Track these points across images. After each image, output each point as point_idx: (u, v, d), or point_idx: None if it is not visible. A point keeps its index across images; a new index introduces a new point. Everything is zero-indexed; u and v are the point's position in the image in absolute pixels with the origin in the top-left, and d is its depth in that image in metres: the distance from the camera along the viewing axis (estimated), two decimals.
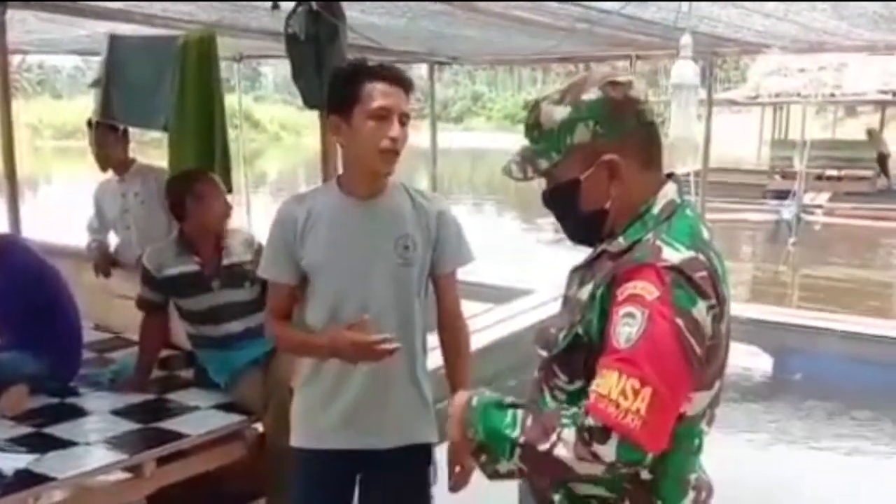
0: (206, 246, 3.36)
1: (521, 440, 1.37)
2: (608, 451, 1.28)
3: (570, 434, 1.31)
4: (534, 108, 1.51)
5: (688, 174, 8.02)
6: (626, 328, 1.31)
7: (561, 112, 1.45)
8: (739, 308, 6.41)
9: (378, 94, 2.08)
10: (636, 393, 1.26)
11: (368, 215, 2.19)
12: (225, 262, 3.35)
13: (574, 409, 1.35)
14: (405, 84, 2.13)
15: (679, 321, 1.30)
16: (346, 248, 2.17)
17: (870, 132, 19.20)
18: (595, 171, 1.45)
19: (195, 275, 3.33)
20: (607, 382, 1.29)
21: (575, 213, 1.51)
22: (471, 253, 2.35)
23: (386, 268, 2.18)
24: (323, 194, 2.27)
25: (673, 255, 1.35)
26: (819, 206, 15.14)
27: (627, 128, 1.45)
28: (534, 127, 1.50)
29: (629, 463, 1.29)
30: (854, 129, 21.61)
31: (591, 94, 1.44)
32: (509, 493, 1.69)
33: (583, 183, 1.47)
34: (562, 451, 1.32)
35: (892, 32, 5.57)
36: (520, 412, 1.42)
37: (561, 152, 1.46)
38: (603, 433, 1.28)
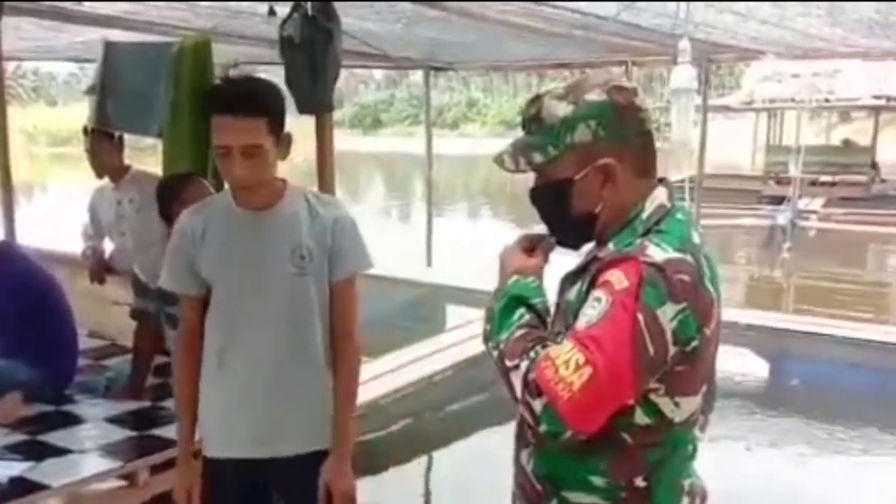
0: None
1: (501, 346, 1.42)
2: (537, 408, 1.31)
3: (523, 369, 1.35)
4: (535, 100, 1.49)
5: (682, 180, 8.03)
6: (590, 310, 1.33)
7: (564, 109, 1.44)
8: (735, 314, 6.45)
9: (218, 130, 2.01)
10: (577, 368, 1.28)
11: (262, 226, 2.17)
12: None
13: (545, 351, 1.35)
14: (253, 111, 2.01)
15: (640, 316, 1.30)
16: (240, 260, 2.16)
17: (846, 142, 19.38)
18: (590, 173, 1.44)
19: None
20: (559, 349, 1.32)
21: (562, 214, 1.49)
22: (368, 259, 2.28)
23: (280, 278, 2.16)
24: (218, 205, 2.23)
25: (658, 253, 1.35)
26: (814, 212, 15.19)
27: (628, 134, 1.44)
28: (533, 119, 1.49)
29: (549, 432, 1.31)
30: (848, 135, 21.66)
31: (596, 96, 1.43)
32: (501, 495, 1.69)
33: (576, 183, 1.45)
34: (515, 380, 1.36)
35: (887, 38, 5.58)
36: (524, 318, 1.44)
37: (558, 149, 1.45)
38: (537, 390, 1.31)
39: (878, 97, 16.79)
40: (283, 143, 2.12)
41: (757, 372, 6.52)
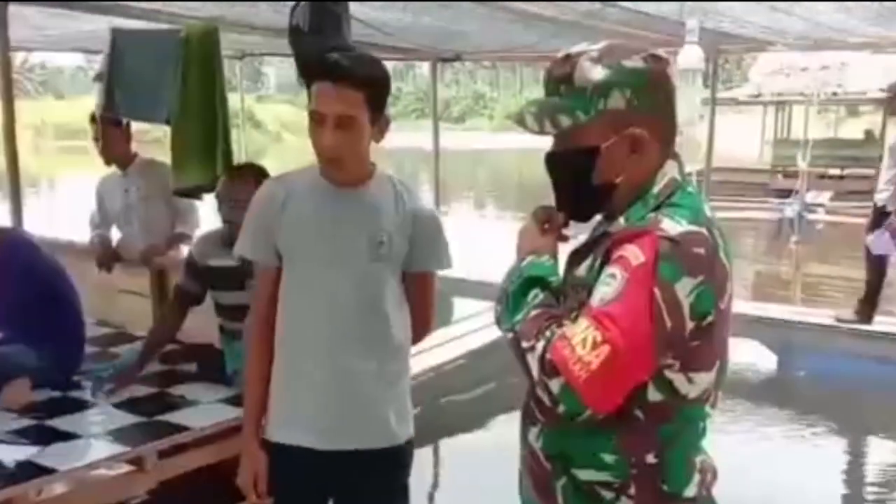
0: None
1: (516, 328, 1.40)
2: (555, 388, 1.30)
3: (539, 349, 1.34)
4: (566, 60, 1.43)
5: (690, 173, 7.99)
6: (605, 287, 1.31)
7: (599, 73, 1.39)
8: (743, 305, 6.42)
9: (317, 96, 1.97)
10: (595, 346, 1.27)
11: (345, 205, 2.10)
12: None
13: (560, 331, 1.33)
14: (354, 82, 1.96)
15: (657, 291, 1.28)
16: (318, 236, 2.09)
17: (867, 132, 19.33)
18: (618, 141, 1.40)
19: (232, 270, 3.25)
20: (575, 328, 1.31)
21: (581, 183, 1.45)
22: (449, 259, 2.23)
23: (356, 261, 2.09)
24: (304, 177, 2.16)
25: (673, 227, 1.33)
26: (821, 205, 15.11)
27: (659, 104, 1.42)
28: (563, 80, 1.42)
29: (568, 412, 1.31)
30: (856, 129, 21.61)
31: (633, 63, 1.40)
32: (510, 482, 1.67)
33: (601, 152, 1.41)
34: (531, 361, 1.35)
35: None
36: (539, 298, 1.42)
37: (588, 114, 1.40)
38: (554, 370, 1.30)
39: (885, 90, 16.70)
40: (381, 123, 2.07)
41: (765, 364, 6.51)
